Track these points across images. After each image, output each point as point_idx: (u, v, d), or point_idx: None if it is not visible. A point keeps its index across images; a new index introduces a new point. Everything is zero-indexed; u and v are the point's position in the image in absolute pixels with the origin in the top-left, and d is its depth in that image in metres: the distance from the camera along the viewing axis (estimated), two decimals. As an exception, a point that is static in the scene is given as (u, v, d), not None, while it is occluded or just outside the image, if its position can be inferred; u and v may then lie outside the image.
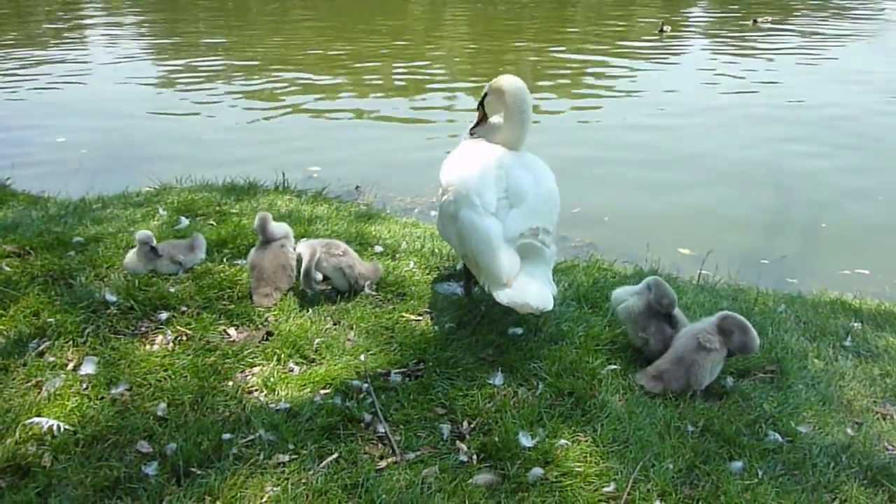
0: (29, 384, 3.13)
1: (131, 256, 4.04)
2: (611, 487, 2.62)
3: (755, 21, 20.19)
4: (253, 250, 3.95)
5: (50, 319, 3.53)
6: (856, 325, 4.08)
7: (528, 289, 3.14)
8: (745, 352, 3.26)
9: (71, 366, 3.24)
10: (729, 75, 14.06)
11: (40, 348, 3.35)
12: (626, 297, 3.49)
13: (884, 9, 24.39)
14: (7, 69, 14.68)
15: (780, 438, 2.93)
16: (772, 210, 7.68)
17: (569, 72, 14.57)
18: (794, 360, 3.54)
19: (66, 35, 19.32)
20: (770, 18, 20.39)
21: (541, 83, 13.54)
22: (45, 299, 3.71)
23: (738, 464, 2.77)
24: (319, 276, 3.88)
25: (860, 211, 7.59)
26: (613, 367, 3.32)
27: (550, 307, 3.18)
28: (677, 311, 3.45)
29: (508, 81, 3.53)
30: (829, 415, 3.15)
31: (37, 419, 2.85)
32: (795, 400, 3.20)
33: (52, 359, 3.28)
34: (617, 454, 2.78)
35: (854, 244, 6.83)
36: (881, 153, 9.50)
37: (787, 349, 3.61)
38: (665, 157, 9.21)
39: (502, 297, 3.13)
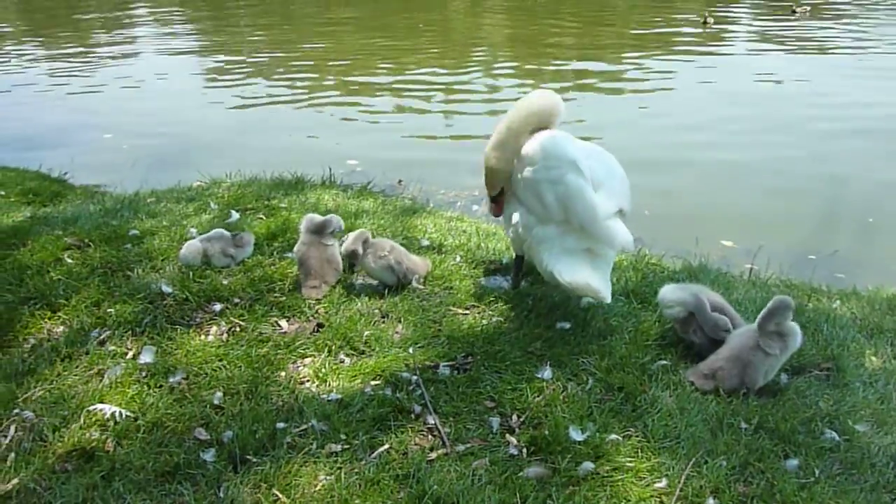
0: (91, 372, 3.24)
1: (187, 248, 4.14)
2: (663, 483, 2.59)
3: (794, 11, 19.54)
4: (298, 244, 4.00)
5: (110, 310, 3.65)
6: (915, 322, 3.95)
7: (589, 274, 3.21)
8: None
9: (130, 355, 3.34)
10: (771, 68, 13.73)
11: (101, 337, 3.46)
12: (673, 303, 3.42)
13: None
14: (56, 66, 15.14)
15: (837, 437, 2.86)
16: (821, 204, 7.46)
17: (608, 64, 14.36)
18: (851, 357, 3.44)
19: (113, 32, 19.81)
20: (808, 7, 19.71)
21: (579, 72, 13.44)
22: (105, 290, 3.83)
23: (793, 462, 2.72)
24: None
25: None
26: (664, 362, 3.29)
27: (608, 298, 3.22)
28: (729, 308, 3.39)
29: (489, 159, 3.58)
30: (887, 414, 3.06)
31: (100, 406, 2.95)
32: (853, 398, 3.12)
33: (112, 348, 3.39)
34: (668, 450, 2.75)
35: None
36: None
37: (843, 346, 3.52)
38: (705, 151, 9.01)
39: (566, 276, 3.21)
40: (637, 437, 2.81)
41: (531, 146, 3.46)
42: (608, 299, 3.26)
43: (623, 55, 15.05)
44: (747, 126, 10.01)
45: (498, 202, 3.74)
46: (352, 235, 3.98)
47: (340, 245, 4.02)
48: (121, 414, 2.91)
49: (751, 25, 18.86)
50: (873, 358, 3.52)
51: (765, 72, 13.30)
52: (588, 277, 3.22)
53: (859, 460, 2.76)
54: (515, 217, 3.53)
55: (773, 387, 3.17)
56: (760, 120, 10.29)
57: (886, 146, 9.04)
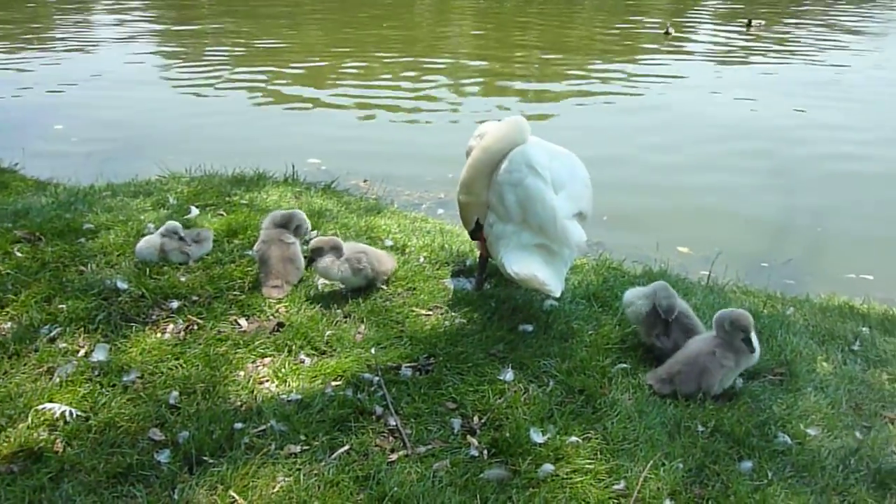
0: (41, 370, 3.14)
1: (143, 244, 4.05)
2: (621, 485, 2.63)
3: (749, 23, 20.05)
4: (258, 243, 3.95)
5: (62, 306, 3.54)
6: (864, 329, 4.08)
7: (538, 267, 3.28)
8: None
9: (82, 352, 3.25)
10: (731, 78, 14.09)
11: (52, 334, 3.36)
12: (636, 299, 3.50)
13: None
14: (8, 56, 14.67)
15: (789, 440, 2.94)
16: (775, 213, 7.67)
17: (571, 70, 14.53)
18: (804, 363, 3.54)
19: (70, 22, 19.29)
20: (762, 22, 20.26)
21: (542, 79, 13.56)
22: (57, 285, 3.72)
23: (747, 464, 2.78)
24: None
25: (863, 216, 7.58)
26: (624, 365, 3.33)
27: (556, 292, 3.29)
28: (690, 314, 3.46)
29: (460, 196, 3.64)
30: (838, 418, 3.16)
31: (49, 405, 2.86)
32: (804, 403, 3.21)
33: (63, 345, 3.30)
34: (627, 452, 2.79)
35: (858, 249, 6.82)
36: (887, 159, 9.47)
37: (796, 352, 3.62)
38: (662, 157, 9.17)
39: (515, 267, 3.28)
40: (596, 439, 2.85)
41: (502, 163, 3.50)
42: (556, 293, 3.33)
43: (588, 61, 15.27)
44: (703, 135, 10.23)
45: (478, 238, 3.75)
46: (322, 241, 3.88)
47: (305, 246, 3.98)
48: (71, 413, 2.83)
49: (709, 37, 19.31)
50: (825, 363, 3.62)
51: (722, 83, 13.63)
52: (536, 270, 3.28)
53: (810, 463, 2.84)
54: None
55: (729, 391, 3.24)
56: (716, 130, 10.53)
57: (835, 159, 9.32)
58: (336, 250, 3.78)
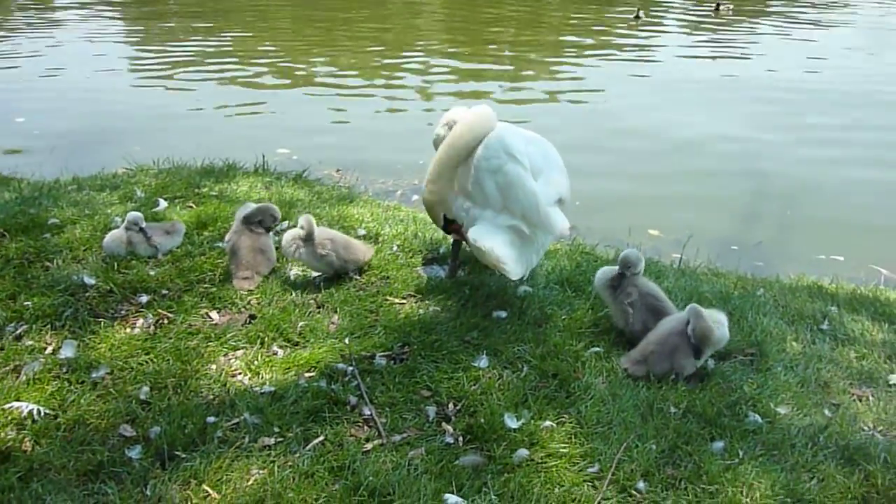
0: (7, 368, 3.08)
1: (111, 238, 3.98)
2: (595, 468, 2.66)
3: (717, 7, 20.21)
4: (229, 233, 3.91)
5: (27, 303, 3.48)
6: (832, 309, 4.15)
7: (500, 245, 3.27)
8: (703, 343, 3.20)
9: (50, 349, 3.20)
10: (702, 58, 14.20)
11: (18, 332, 3.30)
12: (605, 270, 3.55)
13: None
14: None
15: (759, 419, 2.99)
16: (745, 195, 7.75)
17: (543, 56, 14.54)
18: (773, 343, 3.60)
19: (32, 19, 18.83)
20: (731, 6, 20.44)
21: (514, 64, 13.54)
22: (22, 282, 3.65)
23: (719, 444, 2.83)
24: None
25: (831, 199, 7.69)
26: (596, 349, 3.36)
27: (513, 273, 3.28)
28: (661, 296, 3.49)
29: (425, 195, 3.67)
30: (807, 396, 3.22)
31: (16, 403, 2.81)
32: (774, 382, 3.26)
33: (30, 342, 3.24)
34: (601, 435, 2.82)
35: (827, 231, 6.92)
36: (858, 141, 9.62)
37: (766, 332, 3.67)
38: (634, 142, 9.22)
39: (478, 240, 3.29)
40: (571, 423, 2.87)
41: (477, 149, 3.48)
42: (513, 274, 3.30)
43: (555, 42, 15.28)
44: (675, 119, 10.31)
45: (454, 229, 3.72)
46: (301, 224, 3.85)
47: (278, 237, 3.95)
48: (39, 412, 2.78)
49: (679, 20, 19.43)
50: (794, 343, 3.68)
51: (695, 65, 13.73)
52: (496, 246, 3.26)
53: (780, 441, 2.89)
54: (456, 205, 3.54)
55: (700, 371, 3.28)
56: (687, 112, 10.62)
57: (804, 142, 9.45)
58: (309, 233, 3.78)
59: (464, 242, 3.77)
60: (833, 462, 2.80)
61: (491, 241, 3.28)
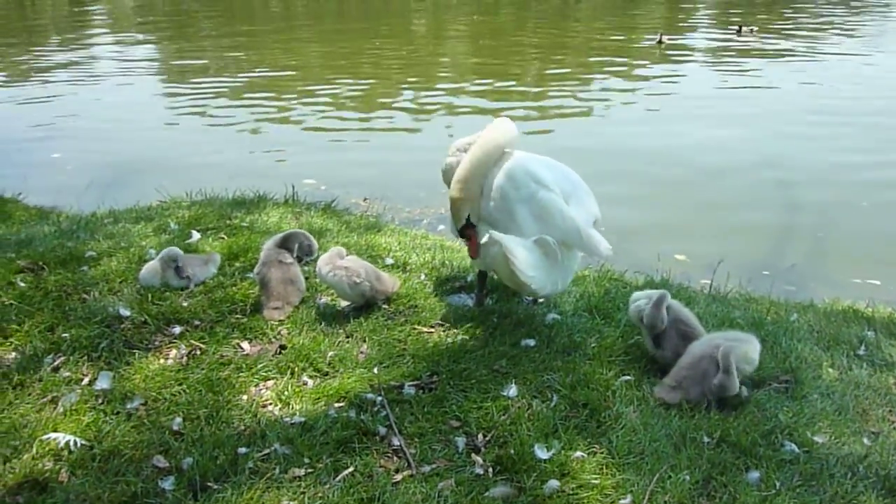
0: (45, 400, 3.14)
1: (147, 270, 4.06)
2: (627, 500, 2.61)
3: (740, 29, 20.13)
4: (258, 265, 3.96)
5: (65, 334, 3.55)
6: (869, 333, 4.06)
7: (521, 251, 3.25)
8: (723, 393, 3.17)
9: (86, 381, 3.25)
10: (727, 80, 14.14)
11: (55, 363, 3.36)
12: (639, 298, 3.53)
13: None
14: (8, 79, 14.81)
15: (796, 449, 2.92)
16: (776, 218, 7.66)
17: (567, 84, 14.60)
18: (809, 369, 3.53)
19: (70, 51, 19.46)
20: (754, 27, 20.36)
21: (540, 89, 13.61)
22: (60, 314, 3.73)
23: (754, 475, 2.76)
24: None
25: (871, 220, 7.54)
26: (627, 377, 3.33)
27: (533, 283, 3.28)
28: (691, 322, 3.45)
29: (453, 192, 3.63)
30: (844, 425, 3.14)
31: (53, 434, 2.85)
32: (811, 410, 3.19)
33: (67, 374, 3.30)
34: (633, 466, 2.78)
35: (862, 254, 6.78)
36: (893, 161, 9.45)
37: (801, 359, 3.60)
38: (659, 169, 9.16)
39: (502, 240, 3.24)
40: (602, 453, 2.83)
41: (498, 177, 3.52)
42: (533, 285, 3.29)
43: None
44: (701, 142, 10.25)
45: (470, 238, 3.70)
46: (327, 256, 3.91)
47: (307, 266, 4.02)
48: (75, 443, 2.82)
49: (702, 43, 19.41)
50: (830, 369, 3.61)
51: (720, 87, 13.67)
52: (516, 250, 3.23)
53: (818, 471, 2.82)
54: (485, 238, 3.53)
55: (734, 400, 3.23)
56: (713, 135, 10.55)
57: (837, 163, 9.31)
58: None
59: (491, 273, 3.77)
60: (874, 493, 2.72)
61: (511, 243, 3.25)
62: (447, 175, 3.85)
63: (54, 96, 13.62)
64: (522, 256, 3.26)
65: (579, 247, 3.32)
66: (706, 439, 2.94)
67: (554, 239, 3.32)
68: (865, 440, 3.05)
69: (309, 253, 4.11)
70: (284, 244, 4.01)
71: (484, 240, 3.37)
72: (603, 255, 3.38)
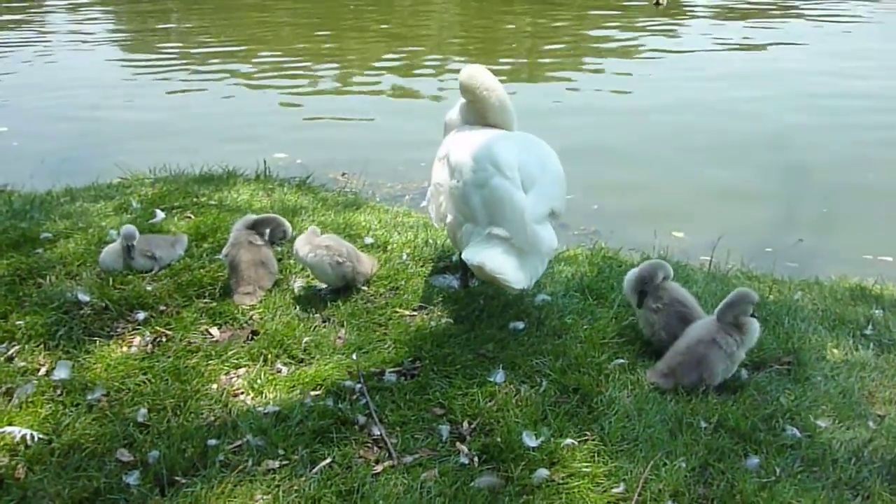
0: (-2, 391, 3.14)
1: (107, 252, 4.04)
2: (620, 488, 2.65)
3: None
4: (227, 246, 3.95)
5: (19, 322, 3.54)
6: (877, 312, 4.12)
7: (493, 257, 3.23)
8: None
9: (43, 371, 3.26)
10: (730, 45, 14.12)
11: (9, 353, 3.36)
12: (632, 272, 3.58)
13: None
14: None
15: (798, 433, 2.97)
16: (780, 192, 7.68)
17: (561, 51, 14.55)
18: (812, 350, 3.58)
19: (16, 13, 19.13)
20: None
21: (529, 63, 13.58)
22: (13, 301, 3.72)
23: (754, 461, 2.81)
24: None
25: (883, 193, 7.57)
26: (621, 361, 3.36)
27: (516, 283, 3.22)
28: (688, 302, 3.49)
29: (463, 75, 3.76)
30: (849, 408, 3.19)
31: (8, 428, 2.86)
32: (814, 393, 3.24)
33: (22, 364, 3.30)
34: (626, 453, 2.82)
35: (876, 229, 6.81)
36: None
37: (804, 339, 3.66)
38: (656, 142, 9.16)
39: (473, 258, 3.24)
40: (593, 440, 2.87)
41: (461, 153, 3.54)
42: (516, 284, 3.24)
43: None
44: (701, 111, 10.27)
45: None
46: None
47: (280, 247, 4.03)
48: (32, 436, 2.83)
49: (705, 5, 19.38)
50: (835, 350, 3.66)
51: (723, 53, 13.66)
52: (488, 260, 3.21)
53: (821, 457, 2.87)
54: (449, 217, 3.57)
55: (733, 383, 3.28)
56: (714, 103, 10.58)
57: (846, 133, 9.36)
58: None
59: None
60: (878, 478, 2.77)
61: (482, 255, 3.24)
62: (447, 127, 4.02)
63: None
64: (498, 264, 3.21)
65: (521, 243, 3.27)
66: (703, 424, 2.99)
67: (504, 230, 3.30)
68: (871, 423, 3.11)
69: (283, 238, 4.09)
70: (255, 228, 3.99)
71: (467, 262, 3.34)
72: (543, 254, 3.36)
